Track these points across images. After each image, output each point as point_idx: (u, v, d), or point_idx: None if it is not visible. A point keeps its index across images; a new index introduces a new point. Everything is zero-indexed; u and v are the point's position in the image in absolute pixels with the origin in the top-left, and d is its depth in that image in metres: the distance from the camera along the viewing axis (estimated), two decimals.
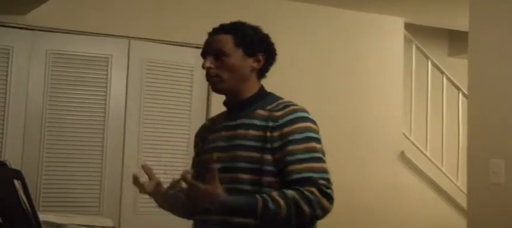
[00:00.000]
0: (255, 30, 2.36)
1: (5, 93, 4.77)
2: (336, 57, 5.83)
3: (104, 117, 5.00)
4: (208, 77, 2.32)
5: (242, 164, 2.21)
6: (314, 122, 2.28)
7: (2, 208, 2.03)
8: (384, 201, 5.86)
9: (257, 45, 2.33)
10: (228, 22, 2.37)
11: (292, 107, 2.27)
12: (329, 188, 2.18)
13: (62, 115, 4.89)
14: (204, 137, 2.43)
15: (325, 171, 2.21)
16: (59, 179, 4.86)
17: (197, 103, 5.20)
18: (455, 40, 7.20)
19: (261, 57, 2.33)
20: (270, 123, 2.23)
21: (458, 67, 6.21)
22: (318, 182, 2.16)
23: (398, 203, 5.94)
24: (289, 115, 2.24)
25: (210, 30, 2.37)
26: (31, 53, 4.86)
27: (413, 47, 6.35)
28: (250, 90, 2.34)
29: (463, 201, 5.23)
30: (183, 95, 5.17)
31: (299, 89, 5.40)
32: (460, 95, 6.37)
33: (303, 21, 5.69)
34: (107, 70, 5.03)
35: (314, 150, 2.22)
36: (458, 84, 6.37)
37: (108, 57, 5.04)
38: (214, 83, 2.31)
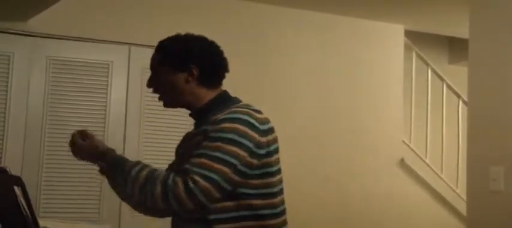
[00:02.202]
0: (183, 42, 2.35)
1: (6, 99, 4.78)
2: (337, 64, 5.83)
3: (104, 123, 5.00)
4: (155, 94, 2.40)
5: None
6: (247, 124, 2.18)
7: (2, 214, 2.03)
8: (383, 208, 5.86)
9: (184, 58, 2.31)
10: (166, 37, 2.41)
11: (233, 109, 2.23)
12: (197, 184, 2.07)
13: (62, 121, 4.89)
14: (179, 148, 2.45)
15: (210, 170, 2.10)
16: (59, 185, 4.86)
17: None
18: (456, 47, 7.21)
19: (193, 69, 2.30)
20: (210, 127, 2.21)
21: (459, 74, 6.21)
22: (189, 174, 2.09)
23: (398, 210, 5.94)
24: (223, 116, 2.21)
25: None
26: (32, 60, 4.87)
27: (414, 54, 6.35)
28: (200, 100, 2.33)
29: (462, 208, 5.23)
30: None
31: (300, 96, 5.41)
32: (460, 102, 6.37)
33: (303, 28, 5.70)
34: (107, 76, 5.03)
35: (217, 149, 2.12)
36: (459, 92, 6.37)
37: (108, 64, 5.05)
38: (160, 100, 2.41)
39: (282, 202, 2.31)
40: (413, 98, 6.27)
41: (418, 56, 6.40)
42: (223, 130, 2.16)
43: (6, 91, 4.79)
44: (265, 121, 2.24)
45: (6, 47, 4.82)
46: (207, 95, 2.33)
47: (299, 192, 5.33)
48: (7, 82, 4.80)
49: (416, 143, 6.25)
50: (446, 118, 6.38)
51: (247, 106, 2.27)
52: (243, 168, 2.16)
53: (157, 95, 2.46)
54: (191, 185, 2.07)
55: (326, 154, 5.66)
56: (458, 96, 6.40)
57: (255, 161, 2.19)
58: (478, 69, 3.71)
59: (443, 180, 6.27)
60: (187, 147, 2.29)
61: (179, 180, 2.08)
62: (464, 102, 6.12)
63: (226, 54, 2.38)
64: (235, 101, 2.33)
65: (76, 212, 4.83)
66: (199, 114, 2.34)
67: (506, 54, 3.55)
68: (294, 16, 5.64)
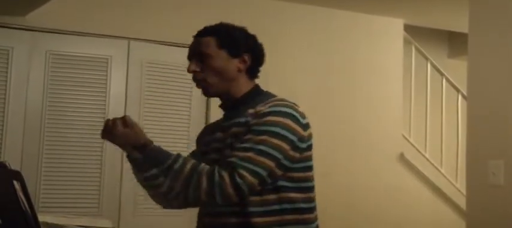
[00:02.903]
0: (240, 30, 2.33)
1: (5, 93, 4.78)
2: (335, 59, 5.83)
3: (104, 118, 4.98)
4: (196, 81, 2.31)
5: None
6: (292, 118, 2.18)
7: (1, 209, 2.03)
8: (383, 203, 5.87)
9: (242, 45, 2.29)
10: (212, 24, 2.35)
11: (276, 102, 2.22)
12: (244, 179, 2.07)
13: (61, 116, 4.89)
14: (202, 138, 2.42)
15: (257, 164, 2.10)
16: (58, 180, 4.86)
17: (197, 104, 5.20)
18: (455, 42, 7.20)
19: (246, 57, 2.30)
20: (251, 119, 2.19)
21: (458, 69, 6.21)
22: (236, 169, 2.07)
23: (398, 205, 5.94)
24: (266, 109, 2.19)
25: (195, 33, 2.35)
26: (31, 54, 4.86)
27: (413, 48, 6.35)
28: (241, 90, 2.31)
29: (462, 202, 5.23)
30: (183, 96, 5.18)
31: (299, 91, 5.40)
32: (460, 96, 6.37)
33: (302, 22, 5.70)
34: (106, 71, 5.03)
35: (263, 142, 2.12)
36: (458, 86, 6.36)
37: (107, 58, 5.05)
38: (203, 88, 2.31)
39: (315, 197, 2.33)
40: (413, 92, 6.27)
41: (418, 50, 6.40)
42: (268, 123, 2.16)
43: (6, 86, 4.79)
44: (305, 115, 2.25)
45: (6, 42, 4.81)
46: (246, 86, 2.32)
47: None
48: (6, 77, 4.79)
49: (416, 137, 6.25)
50: (446, 112, 6.38)
51: (284, 99, 2.26)
52: (285, 162, 2.17)
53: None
54: (238, 180, 2.07)
55: (325, 149, 5.66)
56: (458, 90, 6.40)
57: (297, 155, 2.20)
58: (477, 64, 3.71)
59: (443, 175, 6.27)
60: (220, 140, 2.27)
61: (226, 175, 2.08)
62: (463, 96, 6.12)
63: None
64: (268, 94, 2.32)
65: (75, 207, 4.84)
66: (234, 105, 2.31)
67: (506, 48, 3.55)
68: (292, 10, 5.63)
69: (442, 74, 6.47)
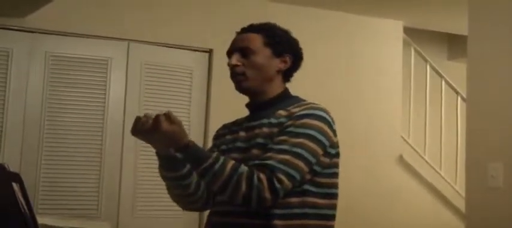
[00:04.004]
0: (285, 32, 2.36)
1: (4, 95, 4.78)
2: (335, 61, 5.83)
3: (103, 119, 5.00)
4: (233, 74, 2.28)
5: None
6: (327, 123, 2.20)
7: (0, 211, 2.03)
8: (382, 205, 5.86)
9: (285, 46, 2.32)
10: (258, 23, 2.36)
11: (309, 105, 2.23)
12: (282, 184, 2.06)
13: (60, 117, 4.89)
14: (222, 136, 2.38)
15: (294, 168, 2.08)
16: (57, 182, 4.86)
17: (196, 106, 5.20)
18: (454, 44, 7.20)
19: (288, 59, 2.31)
20: (285, 120, 2.18)
21: (457, 71, 6.21)
22: (274, 172, 2.05)
23: (397, 207, 5.94)
24: (302, 111, 2.19)
25: (239, 29, 2.37)
26: (30, 56, 4.86)
27: (412, 50, 6.35)
28: (273, 91, 2.31)
29: (461, 205, 5.23)
30: (182, 98, 5.17)
31: (297, 92, 5.40)
32: (459, 98, 6.37)
33: (302, 25, 5.69)
34: (106, 73, 5.03)
35: (300, 145, 2.11)
36: (457, 88, 6.37)
37: (107, 60, 5.05)
38: (239, 81, 2.27)
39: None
40: (412, 94, 6.27)
41: (417, 52, 6.40)
42: (304, 126, 2.15)
43: (5, 87, 4.79)
44: (334, 121, 2.26)
45: (5, 43, 4.82)
46: (279, 87, 2.33)
47: None
48: (6, 78, 4.79)
49: (415, 139, 6.25)
50: (445, 114, 6.38)
51: (318, 104, 2.27)
52: (316, 167, 2.18)
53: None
54: (277, 185, 2.06)
55: None
56: (457, 92, 6.40)
57: (326, 160, 2.22)
58: (477, 66, 3.71)
59: (442, 177, 6.27)
60: (244, 139, 2.25)
61: (264, 179, 2.05)
62: (463, 98, 6.12)
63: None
64: (298, 98, 2.33)
65: (75, 209, 4.83)
66: (264, 105, 2.29)
67: (505, 50, 3.55)
68: (292, 12, 5.63)
69: (441, 76, 6.47)
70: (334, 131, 2.24)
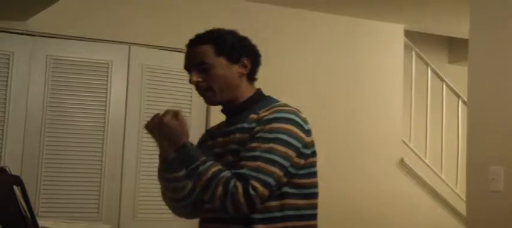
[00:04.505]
0: (233, 34, 2.30)
1: (6, 98, 4.78)
2: (336, 64, 5.83)
3: (104, 122, 5.00)
4: (200, 91, 2.29)
5: (232, 170, 2.15)
6: (296, 125, 2.18)
7: (2, 214, 2.03)
8: (383, 208, 5.86)
9: (239, 50, 2.27)
10: (204, 31, 2.31)
11: (279, 108, 2.21)
12: (257, 191, 2.07)
13: (61, 121, 4.89)
14: (203, 142, 2.41)
15: (267, 174, 2.10)
16: (58, 185, 4.86)
17: (197, 109, 5.20)
18: (456, 47, 7.20)
19: (246, 62, 2.28)
20: (255, 125, 2.18)
21: (458, 74, 6.21)
22: (248, 180, 2.07)
23: (398, 210, 5.93)
24: (270, 114, 2.18)
25: (188, 42, 2.32)
26: (31, 59, 4.87)
27: (413, 54, 6.35)
28: (243, 95, 2.29)
29: (462, 208, 5.22)
30: (183, 101, 5.17)
31: (299, 96, 5.40)
32: (460, 102, 6.37)
33: (303, 28, 5.70)
34: (107, 76, 5.03)
35: (271, 151, 2.11)
36: (458, 92, 6.37)
37: (108, 63, 5.05)
38: (208, 97, 2.28)
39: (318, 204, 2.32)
40: (413, 97, 6.27)
41: (418, 55, 6.40)
42: (274, 130, 2.15)
43: (6, 90, 4.79)
44: (307, 121, 2.24)
45: (6, 46, 4.82)
46: (248, 90, 2.31)
47: None
48: (7, 81, 4.80)
49: (416, 143, 6.25)
50: (446, 118, 6.38)
51: (287, 105, 2.24)
52: (291, 169, 2.17)
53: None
54: (251, 192, 2.08)
55: (325, 154, 5.65)
56: (458, 96, 6.40)
57: (301, 161, 2.20)
58: (477, 69, 3.71)
59: (443, 180, 6.27)
60: (220, 145, 2.27)
61: (239, 186, 2.07)
62: (464, 102, 6.11)
63: None
64: (271, 99, 2.31)
65: (76, 212, 4.83)
66: (237, 110, 2.29)
67: (506, 54, 3.55)
68: (293, 16, 5.63)
69: (442, 80, 6.47)
70: (306, 131, 2.21)
